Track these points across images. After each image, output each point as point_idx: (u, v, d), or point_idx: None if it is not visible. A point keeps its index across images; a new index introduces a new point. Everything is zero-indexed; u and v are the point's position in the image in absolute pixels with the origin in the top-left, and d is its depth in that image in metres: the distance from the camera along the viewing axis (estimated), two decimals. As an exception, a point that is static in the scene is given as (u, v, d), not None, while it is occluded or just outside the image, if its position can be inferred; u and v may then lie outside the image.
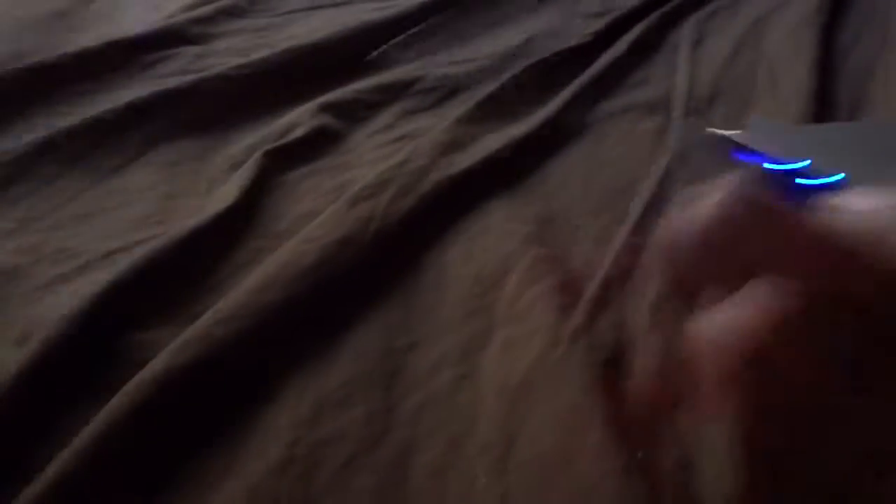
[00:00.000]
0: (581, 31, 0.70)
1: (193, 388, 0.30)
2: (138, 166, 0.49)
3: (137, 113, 0.55)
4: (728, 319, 0.16)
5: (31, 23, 0.77)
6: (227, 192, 0.45)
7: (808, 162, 0.39)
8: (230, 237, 0.42)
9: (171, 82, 0.60)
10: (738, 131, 0.47)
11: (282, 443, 0.28)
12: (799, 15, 0.68)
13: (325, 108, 0.56)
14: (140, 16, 0.78)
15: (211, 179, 0.49)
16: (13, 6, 0.83)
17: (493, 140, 0.52)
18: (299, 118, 0.55)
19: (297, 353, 0.33)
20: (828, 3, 0.69)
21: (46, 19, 0.78)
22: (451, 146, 0.50)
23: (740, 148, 0.44)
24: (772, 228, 0.17)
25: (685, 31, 0.70)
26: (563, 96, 0.58)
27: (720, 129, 0.49)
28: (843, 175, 0.37)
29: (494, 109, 0.56)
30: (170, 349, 0.31)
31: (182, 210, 0.45)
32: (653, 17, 0.72)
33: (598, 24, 0.71)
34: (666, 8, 0.74)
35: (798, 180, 0.39)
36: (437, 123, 0.54)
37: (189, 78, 0.60)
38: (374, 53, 0.66)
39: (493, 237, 0.41)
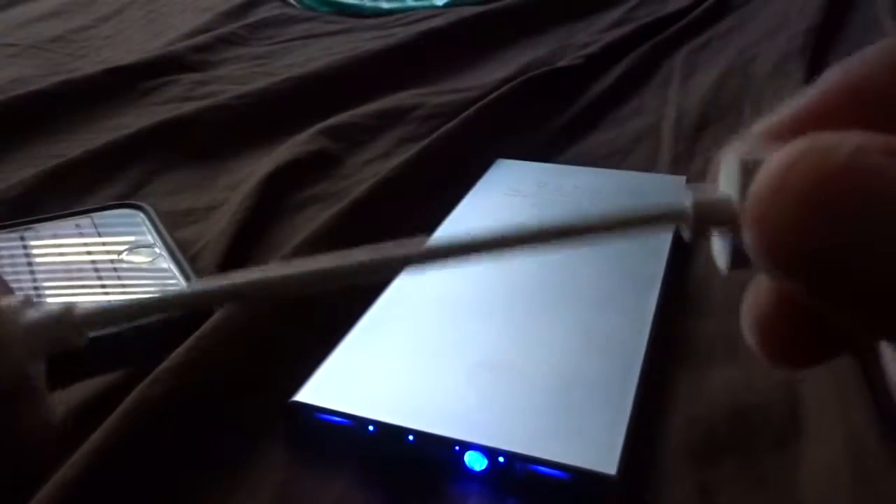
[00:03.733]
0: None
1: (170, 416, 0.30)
2: (139, 198, 0.50)
3: (139, 144, 0.55)
4: None
5: (31, 49, 0.78)
6: (224, 218, 0.46)
7: None
8: (227, 265, 0.42)
9: (172, 110, 0.61)
10: None
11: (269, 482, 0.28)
12: (785, 48, 0.70)
13: (324, 132, 0.57)
14: (140, 43, 0.79)
15: (210, 207, 0.49)
16: (13, 31, 0.84)
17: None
18: (298, 143, 0.55)
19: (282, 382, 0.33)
20: (813, 41, 0.71)
21: (46, 45, 0.79)
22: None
23: None
24: None
25: (678, 60, 0.71)
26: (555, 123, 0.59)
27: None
28: None
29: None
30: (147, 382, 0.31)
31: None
32: (646, 46, 0.74)
33: (592, 50, 0.72)
34: (660, 37, 0.76)
35: None
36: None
37: (190, 107, 0.61)
38: (373, 81, 0.67)
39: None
